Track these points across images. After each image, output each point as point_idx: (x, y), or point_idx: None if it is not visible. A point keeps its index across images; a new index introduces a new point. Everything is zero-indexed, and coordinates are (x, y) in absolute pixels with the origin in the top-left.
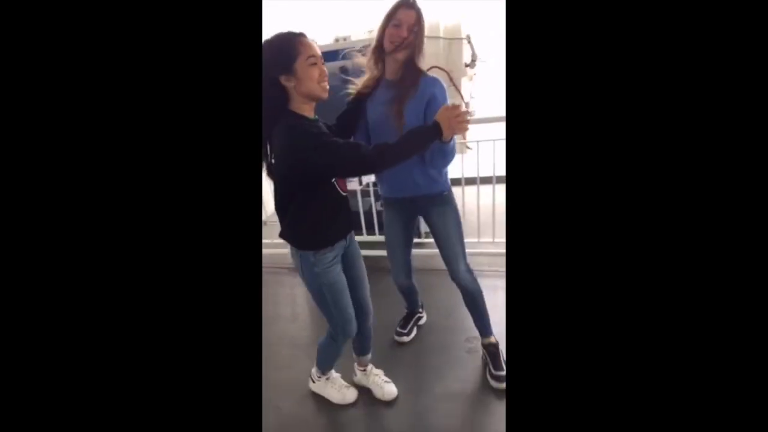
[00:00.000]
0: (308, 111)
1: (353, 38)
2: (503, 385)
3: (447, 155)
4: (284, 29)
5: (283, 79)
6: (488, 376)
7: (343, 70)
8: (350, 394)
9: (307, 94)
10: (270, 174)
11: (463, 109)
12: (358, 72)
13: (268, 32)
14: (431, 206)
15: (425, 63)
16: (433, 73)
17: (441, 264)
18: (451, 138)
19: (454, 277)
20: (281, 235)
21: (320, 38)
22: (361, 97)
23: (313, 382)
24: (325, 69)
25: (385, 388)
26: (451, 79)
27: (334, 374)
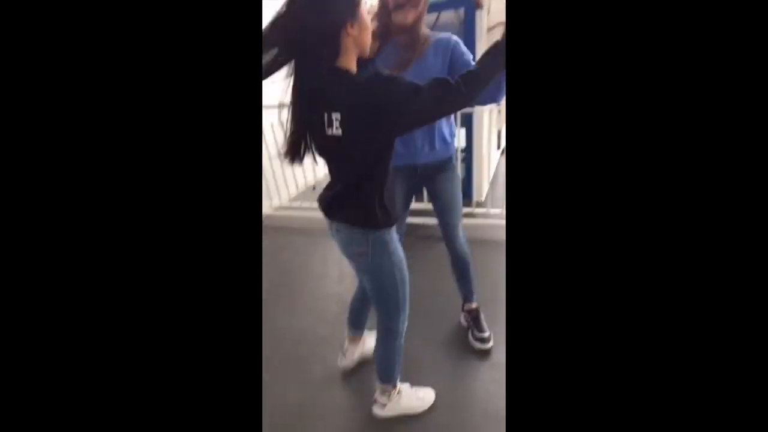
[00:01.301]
0: (354, 65)
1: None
2: (487, 346)
3: (502, 89)
4: None
5: (348, 28)
6: (472, 339)
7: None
8: (429, 394)
9: (364, 44)
10: (323, 150)
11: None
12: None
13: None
14: (439, 173)
15: (491, 20)
16: (498, 32)
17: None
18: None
19: (454, 243)
20: (344, 220)
21: None
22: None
23: (383, 406)
24: None
25: (422, 395)
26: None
27: (400, 384)
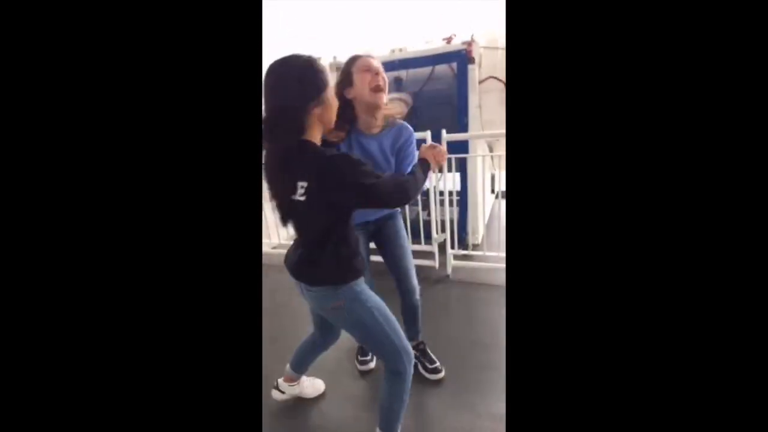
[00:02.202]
0: (319, 139)
1: (409, 49)
2: (439, 375)
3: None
4: (305, 53)
5: (313, 108)
6: (424, 372)
7: (397, 80)
8: None
9: (329, 121)
10: (289, 213)
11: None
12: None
13: (337, 48)
14: (385, 221)
15: (482, 74)
16: (489, 84)
17: None
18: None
19: (407, 289)
20: (311, 279)
21: (376, 49)
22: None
23: None
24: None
25: (316, 383)
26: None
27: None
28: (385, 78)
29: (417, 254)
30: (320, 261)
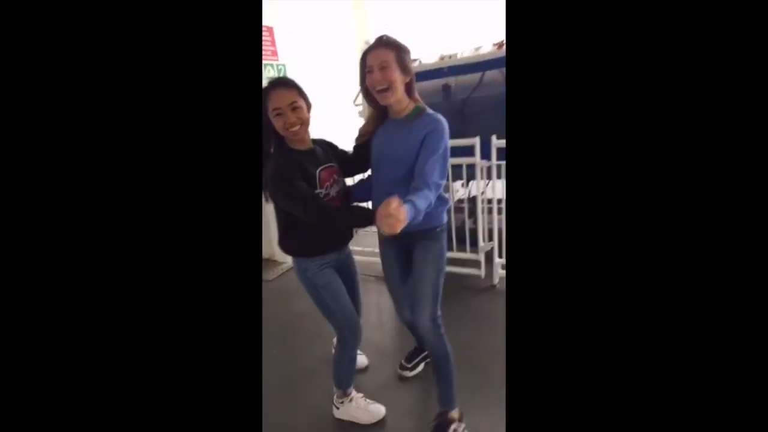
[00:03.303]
0: (297, 144)
1: (459, 56)
2: None
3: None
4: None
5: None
6: None
7: (446, 87)
8: (378, 410)
9: (284, 134)
10: (273, 195)
11: (393, 208)
12: (462, 90)
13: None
14: (419, 240)
15: None
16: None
17: None
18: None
19: (415, 324)
20: (279, 243)
21: (425, 56)
22: (366, 135)
23: (337, 408)
24: (291, 118)
25: (371, 409)
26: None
27: (355, 393)
28: (386, 74)
29: (463, 263)
30: (278, 231)
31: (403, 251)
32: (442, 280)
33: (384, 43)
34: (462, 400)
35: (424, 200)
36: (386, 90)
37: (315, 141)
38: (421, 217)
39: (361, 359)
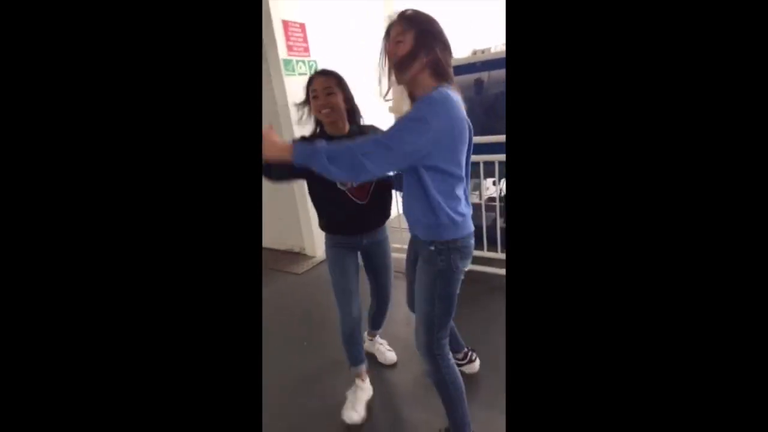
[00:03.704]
0: (332, 128)
1: (492, 50)
2: None
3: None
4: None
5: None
6: None
7: (478, 82)
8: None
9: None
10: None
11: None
12: (494, 85)
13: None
14: (419, 251)
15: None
16: None
17: None
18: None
19: (416, 347)
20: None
21: (457, 50)
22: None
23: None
24: (322, 101)
25: (387, 355)
26: None
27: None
28: (399, 49)
29: (493, 262)
30: (318, 214)
31: (414, 256)
32: (441, 309)
33: (406, 18)
34: (488, 404)
35: (325, 152)
36: (395, 68)
37: (361, 127)
38: (312, 165)
39: (390, 355)
